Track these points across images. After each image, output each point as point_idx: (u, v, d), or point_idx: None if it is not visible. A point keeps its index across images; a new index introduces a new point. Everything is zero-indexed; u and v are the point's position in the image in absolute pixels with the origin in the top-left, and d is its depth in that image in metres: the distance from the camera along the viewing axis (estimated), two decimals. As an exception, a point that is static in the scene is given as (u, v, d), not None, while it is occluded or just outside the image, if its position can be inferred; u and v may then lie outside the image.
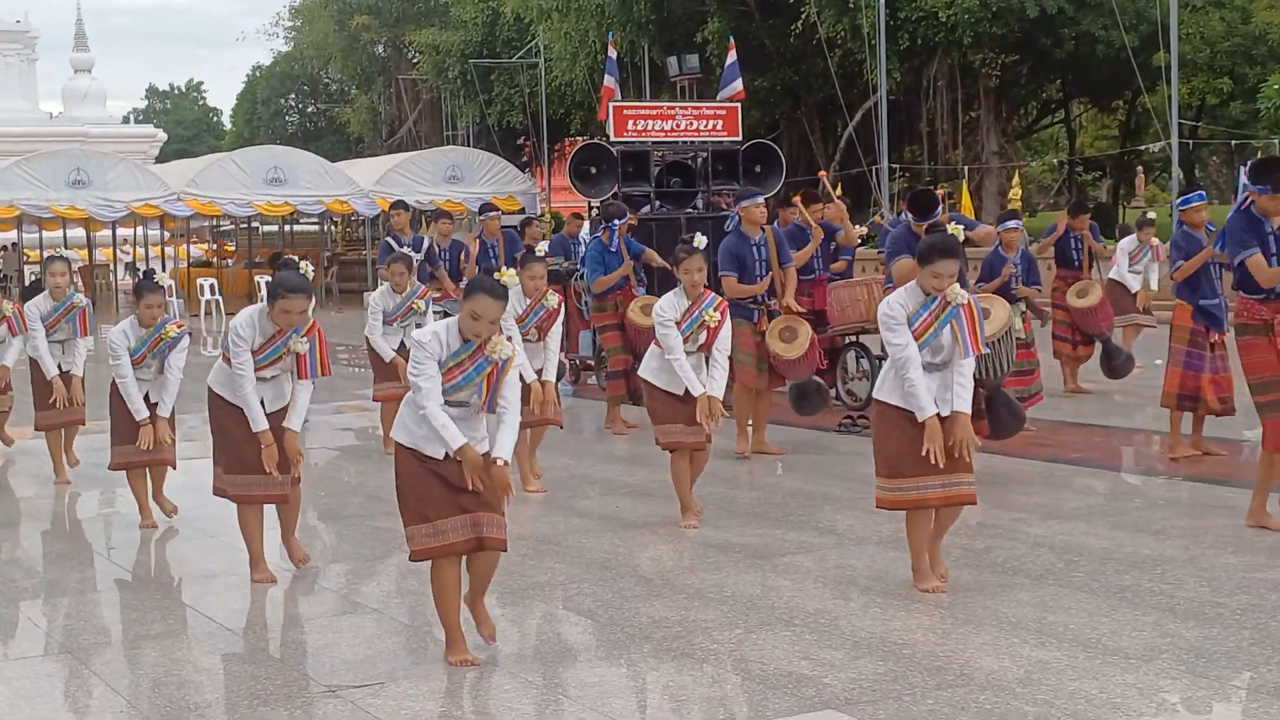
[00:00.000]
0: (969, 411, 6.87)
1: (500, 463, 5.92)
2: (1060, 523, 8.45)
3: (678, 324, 8.44)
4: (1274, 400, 7.82)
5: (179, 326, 8.85)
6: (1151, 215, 16.92)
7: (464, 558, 6.06)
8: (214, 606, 7.18)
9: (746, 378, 11.10)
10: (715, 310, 8.49)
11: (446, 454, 5.91)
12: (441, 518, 5.90)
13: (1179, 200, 11.05)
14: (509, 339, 6.08)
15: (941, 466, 6.73)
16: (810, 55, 36.28)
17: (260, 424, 7.37)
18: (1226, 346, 10.26)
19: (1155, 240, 15.80)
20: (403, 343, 11.21)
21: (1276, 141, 28.38)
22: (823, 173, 14.09)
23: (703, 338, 8.50)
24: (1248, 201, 7.93)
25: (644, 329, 11.96)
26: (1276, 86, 28.87)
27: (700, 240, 8.98)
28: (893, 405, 6.89)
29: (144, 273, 9.67)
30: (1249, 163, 8.22)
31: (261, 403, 7.42)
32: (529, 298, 9.75)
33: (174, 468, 9.27)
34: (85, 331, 10.76)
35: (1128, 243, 15.63)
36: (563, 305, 9.92)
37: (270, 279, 7.76)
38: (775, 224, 11.85)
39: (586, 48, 39.38)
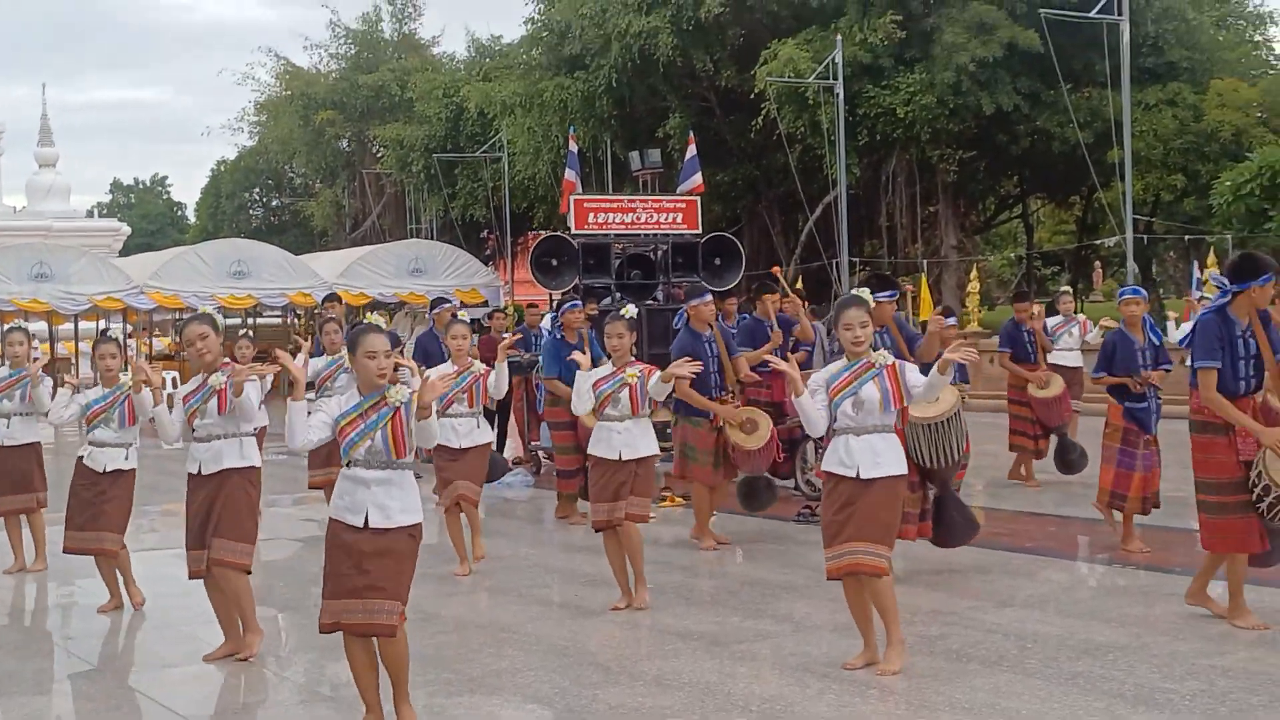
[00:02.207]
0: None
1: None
2: (1015, 610, 8.55)
3: (598, 384, 8.77)
4: (1218, 502, 7.81)
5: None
6: (1065, 288, 17.16)
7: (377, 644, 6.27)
8: (173, 696, 7.18)
9: (704, 476, 11.21)
10: (636, 372, 8.74)
11: (365, 523, 6.14)
12: (335, 597, 6.18)
13: (1120, 291, 11.26)
14: (408, 386, 6.35)
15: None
16: (771, 150, 36.71)
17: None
18: (1158, 443, 10.42)
19: (1081, 315, 15.92)
20: None
21: (1229, 237, 28.84)
22: (776, 268, 14.22)
23: (624, 396, 8.70)
24: (1224, 302, 7.87)
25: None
26: (1228, 183, 29.33)
27: (629, 309, 9.16)
28: (827, 472, 7.21)
29: (101, 331, 10.04)
30: (1230, 259, 8.24)
31: (199, 469, 7.71)
32: (455, 363, 9.99)
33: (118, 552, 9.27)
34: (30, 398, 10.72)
35: (1051, 321, 15.75)
36: (493, 371, 10.26)
37: None
38: (720, 318, 12.06)
39: (549, 142, 39.73)
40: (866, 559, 6.97)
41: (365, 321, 6.41)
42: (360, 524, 6.16)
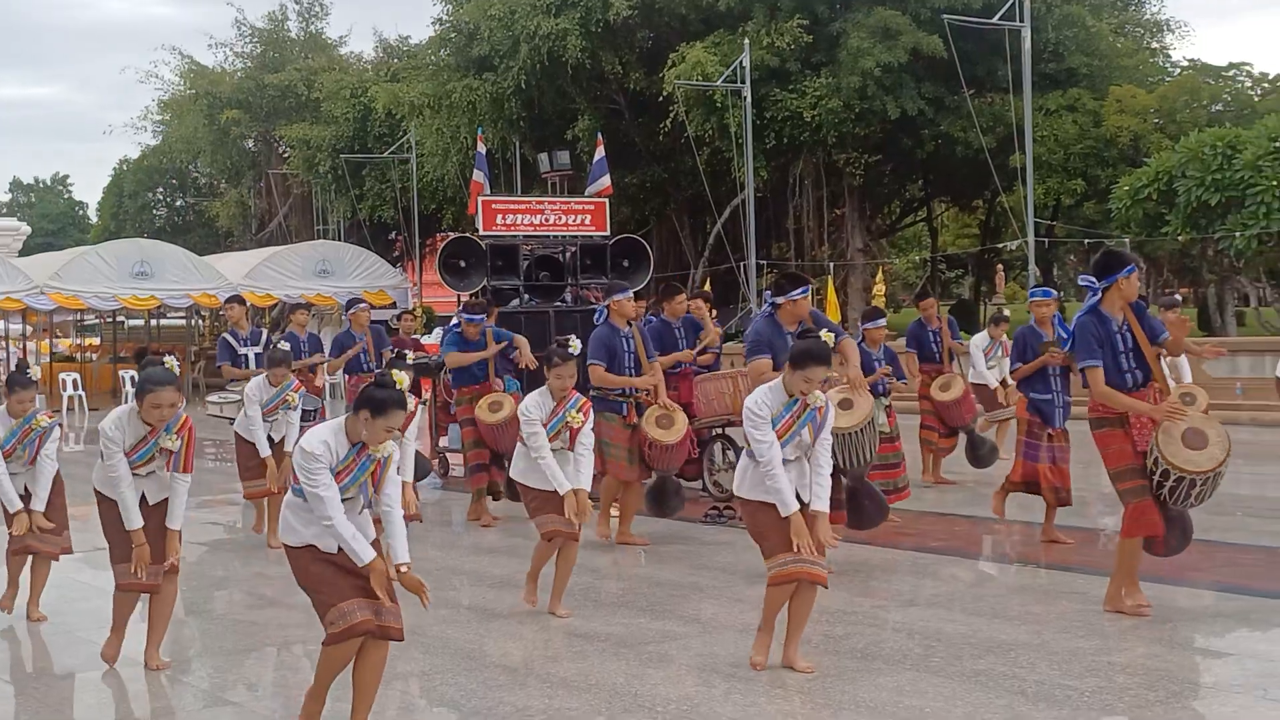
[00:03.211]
0: (827, 512, 7.10)
1: (405, 568, 6.06)
2: (920, 609, 8.65)
3: (543, 424, 8.57)
4: (1133, 487, 8.04)
5: (49, 417, 8.79)
6: (1006, 313, 17.37)
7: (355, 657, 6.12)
8: (73, 703, 7.08)
9: (619, 470, 11.24)
10: (578, 411, 8.66)
11: (339, 548, 5.99)
12: (346, 599, 5.95)
13: (1030, 292, 11.55)
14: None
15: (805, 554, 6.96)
16: (679, 153, 36.87)
17: (135, 524, 7.37)
18: (1067, 439, 10.67)
19: (1005, 338, 16.17)
20: (280, 440, 11.51)
21: (1128, 240, 29.31)
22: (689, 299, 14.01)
23: (565, 435, 8.65)
24: (1096, 300, 8.14)
25: (490, 425, 12.19)
26: (1126, 188, 29.84)
27: (575, 345, 9.12)
28: (754, 500, 7.15)
29: (17, 365, 9.55)
30: (1094, 258, 8.49)
31: (144, 497, 7.47)
32: None
33: (57, 560, 9.07)
34: None
35: (980, 339, 15.97)
36: (422, 399, 10.10)
37: (136, 375, 7.73)
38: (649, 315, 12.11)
39: (458, 144, 39.63)
40: (820, 569, 7.06)
41: (396, 388, 6.04)
42: (334, 549, 6.01)
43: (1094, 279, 8.13)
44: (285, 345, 13.04)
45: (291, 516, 6.10)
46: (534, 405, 8.70)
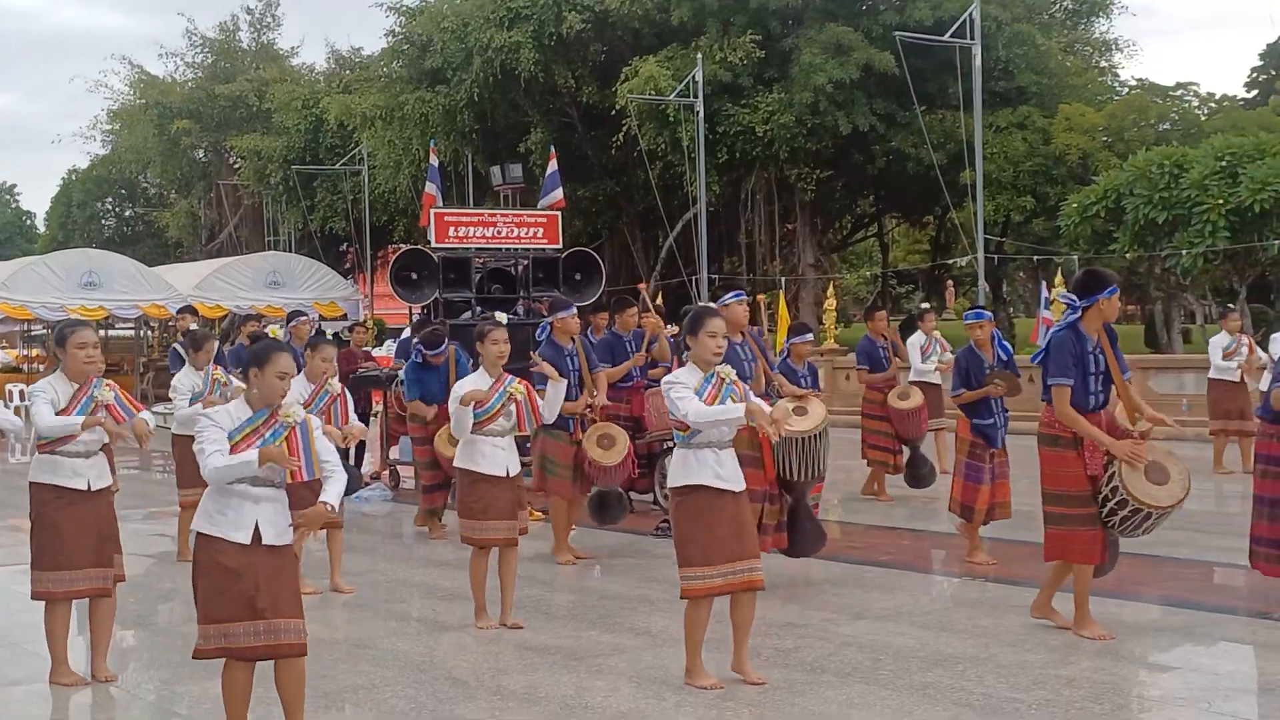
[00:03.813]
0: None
1: (328, 507, 5.95)
2: (868, 622, 8.68)
3: (483, 402, 8.51)
4: (1063, 514, 8.01)
5: None
6: (925, 305, 17.43)
7: (274, 671, 6.00)
8: (19, 715, 7.01)
9: (562, 489, 11.20)
10: (519, 384, 8.62)
11: (255, 538, 5.82)
12: (232, 620, 5.78)
13: (965, 314, 11.55)
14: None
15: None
16: (632, 167, 36.95)
17: (76, 421, 7.21)
18: (1006, 452, 10.71)
19: (937, 332, 16.19)
20: None
21: (1076, 257, 29.57)
22: (643, 285, 14.31)
23: (513, 410, 8.59)
24: (1075, 318, 8.07)
25: (448, 459, 12.15)
26: (1075, 205, 30.11)
27: (501, 316, 9.07)
28: (691, 486, 7.03)
29: None
30: (1075, 276, 8.44)
31: (89, 485, 7.35)
32: (313, 381, 9.84)
33: None
34: None
35: (916, 338, 15.98)
36: (373, 412, 10.09)
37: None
38: (589, 332, 12.11)
39: (410, 155, 39.58)
40: (759, 575, 7.05)
41: (271, 338, 6.08)
42: (248, 540, 5.81)
43: (1074, 297, 8.13)
44: (206, 326, 12.90)
45: (209, 502, 5.92)
46: (469, 384, 8.62)
